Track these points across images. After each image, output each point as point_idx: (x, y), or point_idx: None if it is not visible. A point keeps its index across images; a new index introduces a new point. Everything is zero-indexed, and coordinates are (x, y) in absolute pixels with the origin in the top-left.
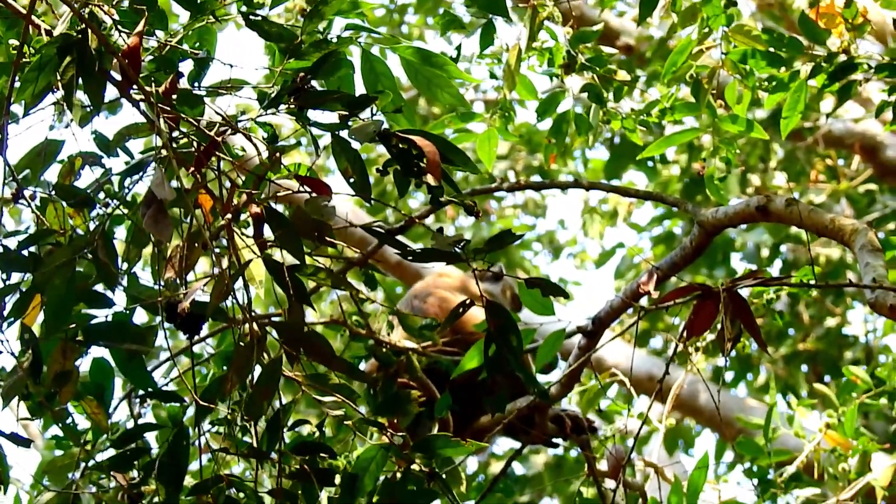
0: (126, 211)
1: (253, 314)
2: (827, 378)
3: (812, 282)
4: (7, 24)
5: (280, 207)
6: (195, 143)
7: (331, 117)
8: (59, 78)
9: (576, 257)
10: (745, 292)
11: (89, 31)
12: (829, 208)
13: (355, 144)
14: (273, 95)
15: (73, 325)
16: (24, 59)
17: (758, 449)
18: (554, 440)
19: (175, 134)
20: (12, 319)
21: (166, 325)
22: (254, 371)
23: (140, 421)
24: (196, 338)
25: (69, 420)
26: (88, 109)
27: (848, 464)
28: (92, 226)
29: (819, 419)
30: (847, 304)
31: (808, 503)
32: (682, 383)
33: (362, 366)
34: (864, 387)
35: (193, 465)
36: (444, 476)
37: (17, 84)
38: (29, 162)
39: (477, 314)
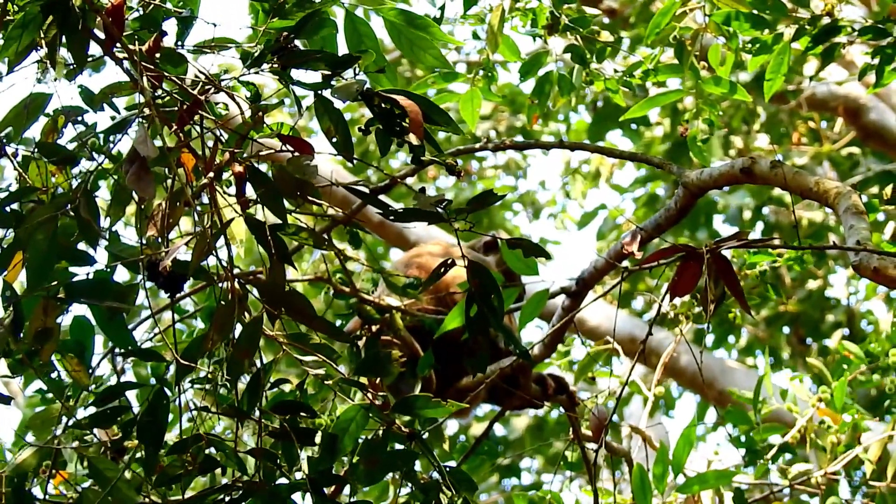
0: (109, 168)
1: (234, 273)
2: (809, 340)
3: (795, 244)
4: None
5: (263, 166)
6: (178, 102)
7: (314, 77)
8: (42, 36)
9: (556, 218)
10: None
11: None
12: (812, 171)
13: (338, 104)
14: (256, 55)
15: (55, 283)
16: (7, 17)
17: (746, 419)
18: (536, 401)
19: (158, 93)
20: None
21: (147, 283)
22: (235, 330)
23: (121, 379)
24: (177, 296)
25: (53, 374)
26: (72, 67)
27: (837, 437)
28: (74, 183)
29: (804, 387)
30: (829, 267)
31: (799, 475)
32: (670, 353)
33: (347, 326)
34: (858, 363)
35: (174, 425)
36: (425, 436)
37: (1, 42)
38: (12, 119)
39: (461, 276)
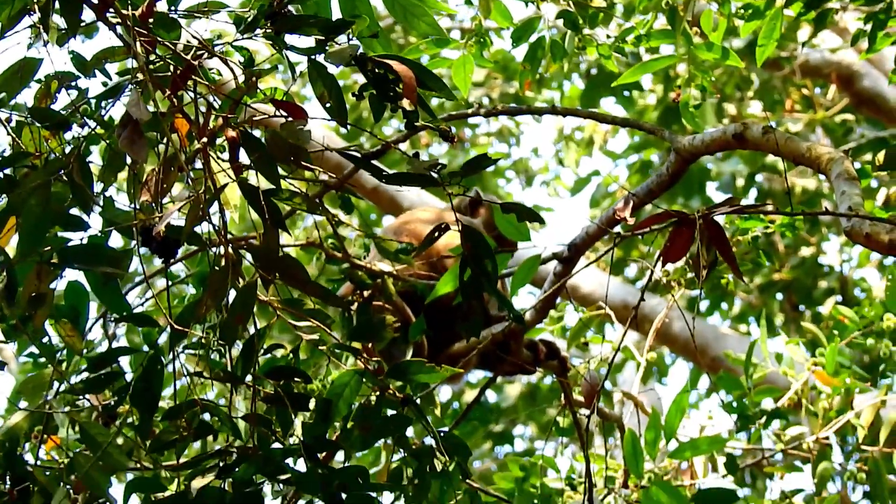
0: (102, 133)
1: (228, 238)
2: (802, 307)
3: (788, 210)
4: None
5: (256, 132)
6: (172, 68)
7: (307, 42)
8: (35, 0)
9: (548, 185)
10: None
11: None
12: (805, 138)
13: (332, 69)
14: (249, 20)
15: (49, 248)
16: None
17: (738, 385)
18: (528, 367)
19: (151, 58)
20: None
21: (141, 248)
22: (228, 295)
23: (114, 344)
24: (171, 261)
25: (45, 340)
26: (64, 32)
27: (830, 401)
28: (68, 149)
29: (800, 350)
30: (822, 234)
31: (792, 440)
32: (662, 318)
33: (339, 291)
34: (853, 327)
35: (168, 390)
36: (418, 401)
37: None
38: (4, 83)
39: (453, 241)
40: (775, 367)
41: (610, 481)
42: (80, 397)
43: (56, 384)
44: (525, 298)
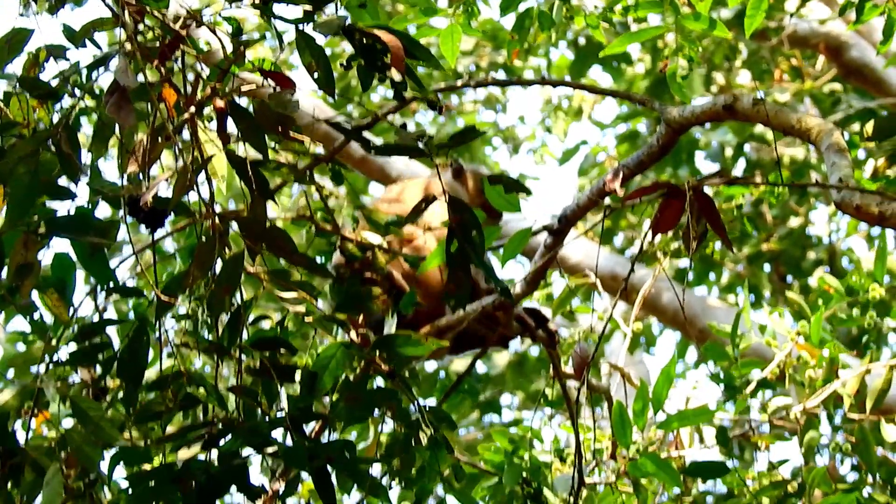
0: (90, 104)
1: (215, 209)
2: (790, 278)
3: (776, 180)
4: None
5: (244, 101)
6: (160, 37)
7: (295, 12)
8: None
9: (535, 153)
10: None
11: None
12: (794, 108)
13: (319, 39)
14: None
15: (36, 217)
16: None
17: (725, 355)
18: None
19: (140, 27)
20: None
21: (128, 218)
22: (216, 266)
23: (102, 316)
24: (158, 232)
25: (36, 315)
26: (54, 2)
27: (815, 371)
28: (56, 118)
29: (783, 321)
30: (810, 205)
31: (778, 410)
32: (649, 287)
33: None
34: (838, 297)
35: (155, 362)
36: (405, 374)
37: None
38: None
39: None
40: (759, 337)
41: (598, 453)
42: (71, 371)
43: (46, 357)
44: (514, 269)
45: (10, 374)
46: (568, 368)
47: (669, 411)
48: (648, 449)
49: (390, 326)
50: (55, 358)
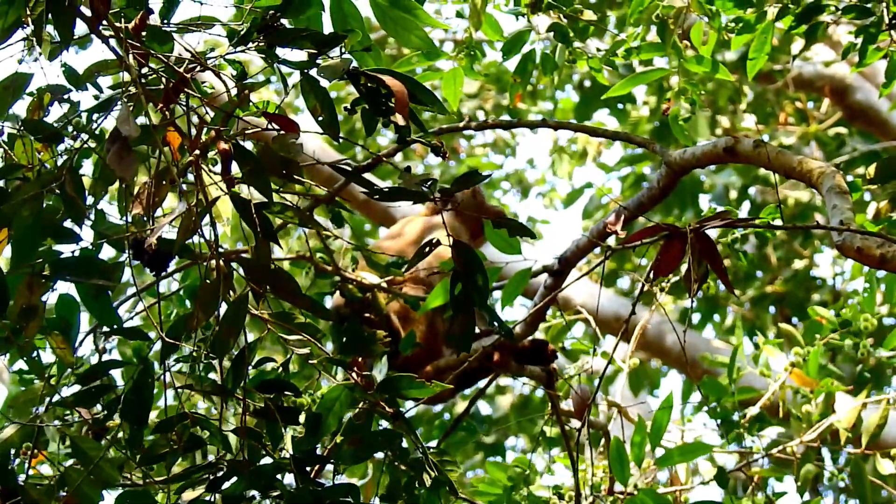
0: (94, 146)
1: (219, 251)
2: (794, 320)
3: (779, 223)
4: None
5: (248, 144)
6: (164, 80)
7: (300, 55)
8: (28, 13)
9: (545, 196)
10: (712, 233)
11: None
12: (799, 151)
13: (324, 83)
14: (242, 33)
15: (40, 260)
16: None
17: (721, 389)
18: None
19: (144, 70)
20: None
21: (133, 261)
22: (220, 308)
23: (105, 357)
24: (162, 274)
25: (34, 354)
26: (58, 45)
27: (812, 405)
28: (60, 161)
29: (785, 359)
30: (815, 247)
31: (774, 444)
32: (646, 322)
33: (328, 303)
34: (830, 327)
35: (158, 403)
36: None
37: None
38: None
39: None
40: (754, 368)
41: (595, 489)
42: (71, 411)
43: (47, 398)
44: (514, 309)
45: (11, 415)
46: (567, 404)
47: (668, 446)
48: (646, 483)
49: (382, 367)
50: (55, 398)
